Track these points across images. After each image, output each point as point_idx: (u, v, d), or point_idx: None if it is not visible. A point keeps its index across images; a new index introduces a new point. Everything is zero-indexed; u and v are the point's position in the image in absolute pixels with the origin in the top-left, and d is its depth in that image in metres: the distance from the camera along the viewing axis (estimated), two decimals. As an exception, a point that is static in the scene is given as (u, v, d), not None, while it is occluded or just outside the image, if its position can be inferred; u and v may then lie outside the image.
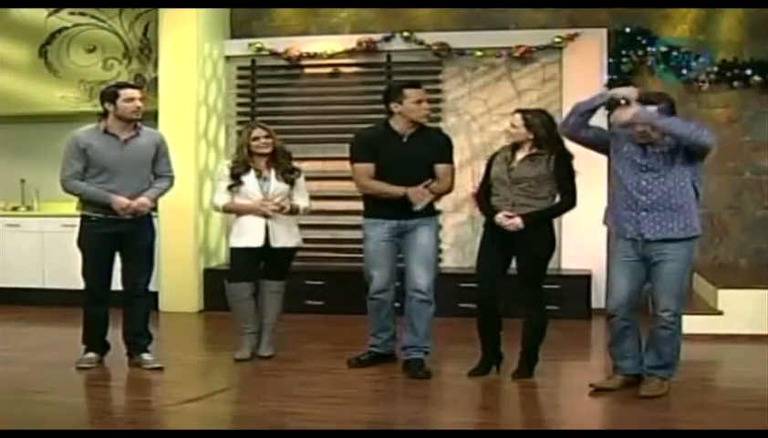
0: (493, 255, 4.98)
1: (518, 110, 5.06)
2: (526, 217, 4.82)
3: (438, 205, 7.58)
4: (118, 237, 5.25)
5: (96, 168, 5.19)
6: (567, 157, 4.93)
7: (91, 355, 5.32)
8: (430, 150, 5.20)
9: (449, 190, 5.33)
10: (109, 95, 5.22)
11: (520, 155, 4.94)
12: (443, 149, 5.28)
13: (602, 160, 5.13)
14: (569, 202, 4.95)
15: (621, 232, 4.68)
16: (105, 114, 5.26)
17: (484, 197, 5.04)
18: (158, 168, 5.40)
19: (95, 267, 5.26)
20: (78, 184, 5.20)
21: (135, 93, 5.24)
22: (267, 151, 5.50)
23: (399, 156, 5.15)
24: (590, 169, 5.28)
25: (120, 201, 5.17)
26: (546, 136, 4.90)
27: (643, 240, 4.59)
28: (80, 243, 5.30)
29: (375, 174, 5.20)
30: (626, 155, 4.63)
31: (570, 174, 4.91)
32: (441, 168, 5.20)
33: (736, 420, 4.27)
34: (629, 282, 4.67)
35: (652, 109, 4.51)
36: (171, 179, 5.49)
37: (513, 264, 5.03)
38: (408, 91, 5.16)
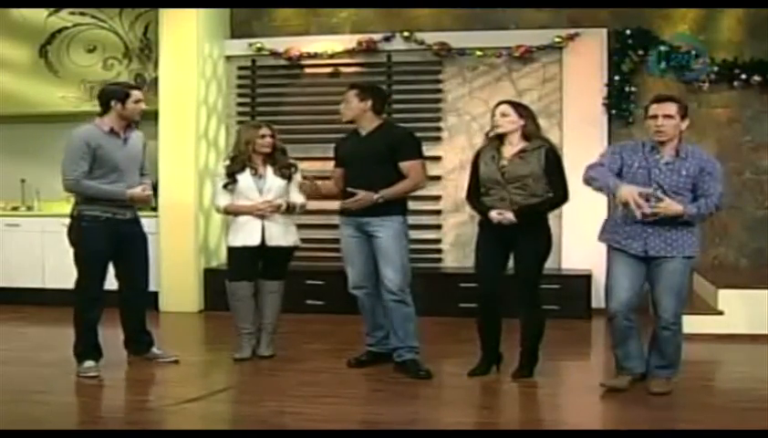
0: (492, 253, 4.97)
1: (504, 102, 5.04)
2: (518, 210, 4.81)
3: (438, 205, 7.69)
4: (120, 237, 5.25)
5: (104, 168, 5.17)
6: (555, 151, 4.97)
7: (90, 363, 5.19)
8: (388, 145, 5.18)
9: (417, 186, 5.27)
10: (119, 94, 5.25)
11: (508, 152, 4.91)
12: (403, 144, 5.23)
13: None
14: (561, 196, 4.92)
15: (623, 248, 4.63)
16: (104, 112, 5.26)
17: (474, 195, 5.02)
18: (142, 167, 5.47)
19: (98, 268, 5.21)
20: (91, 183, 5.16)
21: (142, 95, 5.34)
22: (270, 150, 5.52)
23: (355, 153, 5.25)
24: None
25: (138, 192, 5.26)
26: (535, 129, 4.94)
27: (647, 256, 4.60)
28: (83, 244, 5.19)
29: (344, 175, 5.32)
30: (636, 171, 4.60)
31: (560, 168, 4.91)
32: (404, 166, 5.18)
33: (736, 420, 4.27)
34: (631, 281, 4.64)
35: (677, 207, 4.44)
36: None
37: (510, 263, 5.02)
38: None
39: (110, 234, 5.20)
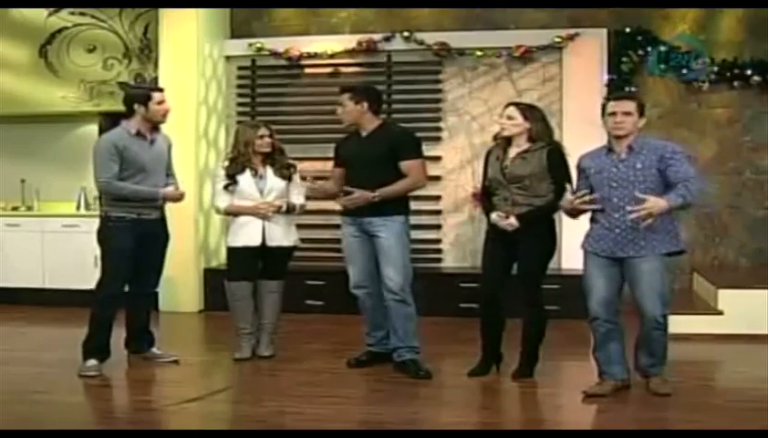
0: (497, 254, 4.98)
1: (511, 104, 5.05)
2: (521, 216, 4.81)
3: (438, 205, 7.69)
4: (144, 237, 5.29)
5: (132, 169, 5.23)
6: (559, 149, 4.95)
7: (93, 362, 5.19)
8: (388, 145, 5.18)
9: (416, 186, 5.27)
10: (141, 97, 5.31)
11: (512, 152, 4.92)
12: (403, 143, 5.24)
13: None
14: (561, 196, 4.91)
15: (594, 250, 4.62)
16: (129, 115, 5.30)
17: (485, 196, 5.05)
18: (168, 167, 5.53)
19: (121, 267, 5.24)
20: (123, 184, 5.22)
21: (165, 96, 5.37)
22: (269, 150, 5.52)
23: (356, 153, 5.27)
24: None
25: (172, 191, 5.40)
26: (543, 129, 4.93)
27: (619, 258, 4.56)
28: (109, 244, 5.24)
29: (345, 174, 5.32)
30: (593, 175, 4.61)
31: (564, 167, 4.90)
32: (403, 165, 5.18)
33: (736, 420, 4.27)
34: (607, 281, 4.60)
35: (663, 203, 4.34)
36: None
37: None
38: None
39: (136, 235, 5.25)
